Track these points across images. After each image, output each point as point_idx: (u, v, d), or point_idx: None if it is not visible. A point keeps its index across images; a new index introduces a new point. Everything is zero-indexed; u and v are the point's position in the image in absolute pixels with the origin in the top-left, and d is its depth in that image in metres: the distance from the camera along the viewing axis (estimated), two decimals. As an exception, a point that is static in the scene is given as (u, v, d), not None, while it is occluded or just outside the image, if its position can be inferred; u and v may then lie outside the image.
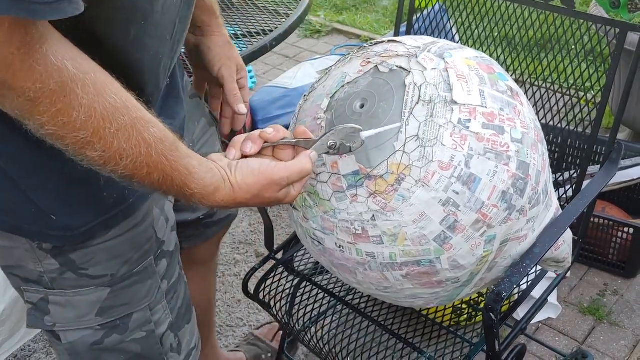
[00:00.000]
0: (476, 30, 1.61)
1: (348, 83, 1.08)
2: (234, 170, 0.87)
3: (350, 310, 1.46)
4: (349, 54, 1.16)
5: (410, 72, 1.03)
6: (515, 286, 0.99)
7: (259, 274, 1.53)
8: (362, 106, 1.04)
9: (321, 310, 1.54)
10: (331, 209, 1.04)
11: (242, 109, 1.26)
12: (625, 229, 2.10)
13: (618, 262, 2.20)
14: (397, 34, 1.65)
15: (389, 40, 1.14)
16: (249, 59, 1.74)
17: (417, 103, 0.99)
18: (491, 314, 0.97)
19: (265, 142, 0.91)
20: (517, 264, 1.02)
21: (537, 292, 1.42)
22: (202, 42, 1.27)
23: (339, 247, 1.08)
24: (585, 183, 1.29)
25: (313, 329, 1.50)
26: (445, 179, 0.97)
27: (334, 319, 1.51)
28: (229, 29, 1.92)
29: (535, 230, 1.12)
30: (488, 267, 1.09)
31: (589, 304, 2.11)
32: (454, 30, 1.73)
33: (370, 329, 1.42)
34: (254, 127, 2.79)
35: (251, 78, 3.45)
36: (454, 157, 0.97)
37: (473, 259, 1.04)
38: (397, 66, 1.04)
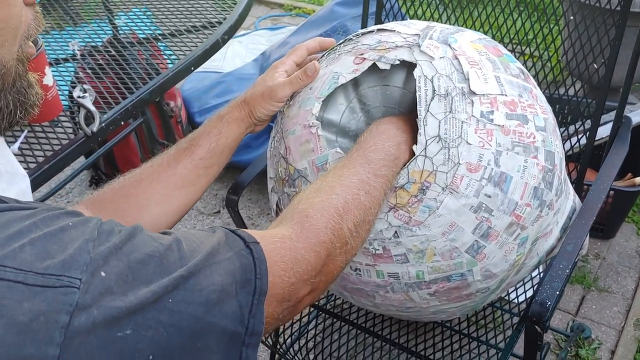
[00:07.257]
0: None
1: (343, 85, 0.94)
2: None
3: (343, 323, 1.34)
4: (335, 49, 1.01)
5: (416, 64, 0.90)
6: (557, 292, 0.88)
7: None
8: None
9: (306, 321, 1.41)
10: (344, 229, 0.91)
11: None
12: (604, 192, 2.05)
13: (596, 225, 2.15)
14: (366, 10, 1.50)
15: (378, 30, 1.00)
16: (201, 59, 1.55)
17: (433, 98, 0.87)
18: (536, 327, 0.86)
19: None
20: (554, 267, 0.91)
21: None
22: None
23: (355, 271, 0.94)
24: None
25: (298, 344, 1.37)
26: (475, 182, 0.85)
27: (319, 330, 1.39)
28: (160, 28, 1.72)
29: (559, 223, 1.03)
30: (517, 270, 0.98)
31: (574, 271, 2.06)
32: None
33: (369, 341, 1.31)
34: (190, 119, 2.54)
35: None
36: (483, 156, 0.85)
37: (506, 265, 0.93)
38: (399, 60, 0.91)
